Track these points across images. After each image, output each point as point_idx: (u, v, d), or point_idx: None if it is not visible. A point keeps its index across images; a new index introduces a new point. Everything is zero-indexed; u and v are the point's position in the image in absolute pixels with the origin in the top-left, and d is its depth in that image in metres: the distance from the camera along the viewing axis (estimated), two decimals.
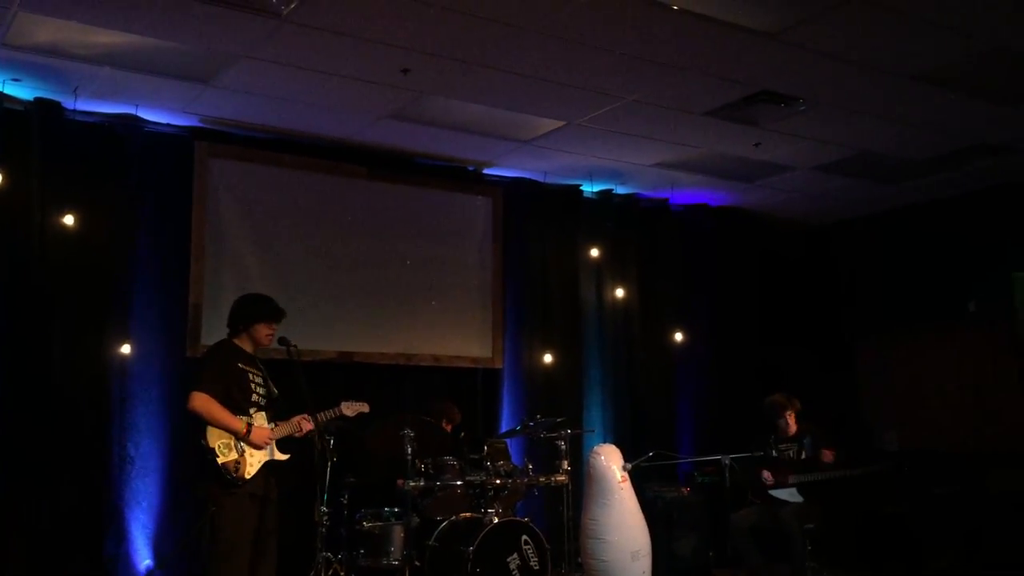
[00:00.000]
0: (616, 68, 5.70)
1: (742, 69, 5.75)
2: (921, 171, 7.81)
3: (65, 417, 6.06)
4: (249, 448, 4.81)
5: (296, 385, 5.03)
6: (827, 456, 6.47)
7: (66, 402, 6.08)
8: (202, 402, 4.75)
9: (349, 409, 5.42)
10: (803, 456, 6.71)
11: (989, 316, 8.11)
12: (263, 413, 4.94)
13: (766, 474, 6.67)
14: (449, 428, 6.78)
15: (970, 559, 7.12)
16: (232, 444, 4.76)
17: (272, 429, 4.93)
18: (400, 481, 5.98)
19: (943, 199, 8.48)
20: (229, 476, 4.71)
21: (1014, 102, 6.33)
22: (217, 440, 4.74)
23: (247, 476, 4.77)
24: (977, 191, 8.22)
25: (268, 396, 5.04)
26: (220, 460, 4.71)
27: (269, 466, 4.91)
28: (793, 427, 6.81)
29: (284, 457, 5.00)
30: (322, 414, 5.20)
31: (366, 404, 5.52)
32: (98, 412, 6.21)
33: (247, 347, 5.05)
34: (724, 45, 5.38)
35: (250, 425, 4.80)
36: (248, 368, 4.97)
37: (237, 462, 4.74)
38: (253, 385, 4.94)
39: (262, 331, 5.02)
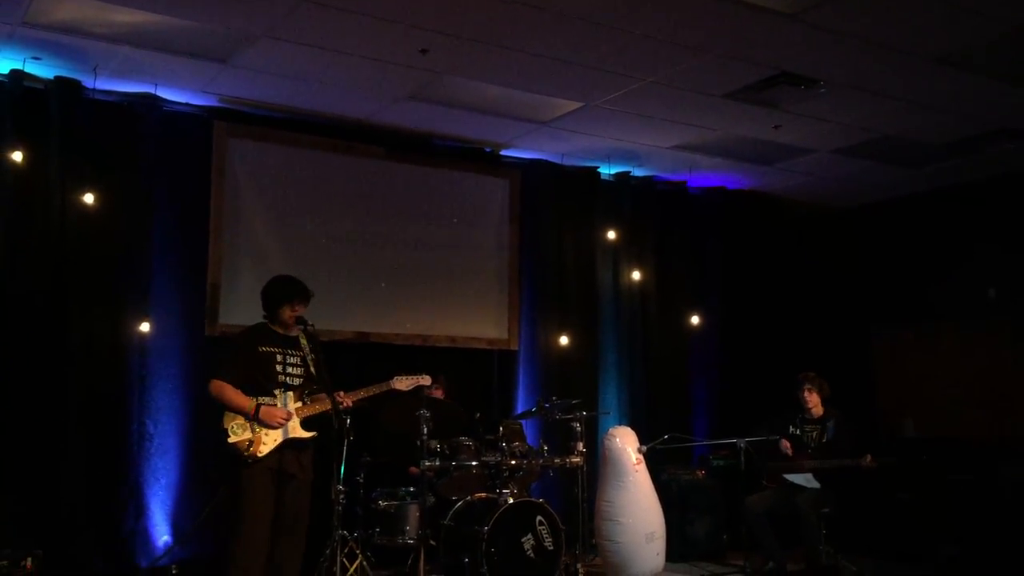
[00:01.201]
0: (634, 49, 5.67)
1: (762, 50, 5.71)
2: (942, 155, 7.74)
3: (84, 394, 6.13)
4: (263, 428, 4.86)
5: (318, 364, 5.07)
6: (868, 461, 6.38)
7: (85, 380, 6.14)
8: (216, 388, 4.90)
9: (403, 383, 5.35)
10: (824, 439, 6.69)
11: (1008, 303, 8.04)
12: (291, 393, 4.98)
13: (785, 443, 6.65)
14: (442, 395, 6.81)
15: (983, 547, 7.09)
16: (245, 424, 4.85)
17: (297, 408, 4.96)
18: (413, 469, 6.00)
19: (964, 184, 8.39)
20: (241, 455, 4.82)
21: None
22: (231, 421, 4.86)
23: (259, 455, 4.84)
24: (999, 176, 8.13)
25: (305, 376, 5.06)
26: (231, 439, 4.83)
27: (290, 444, 4.93)
28: (818, 408, 6.78)
29: (307, 435, 5.00)
30: (368, 390, 5.21)
31: (427, 376, 5.47)
32: (117, 390, 6.27)
33: (280, 329, 5.09)
34: (744, 26, 5.34)
35: (259, 406, 4.86)
36: (276, 350, 5.02)
37: (250, 441, 4.83)
38: (280, 366, 5.00)
39: (286, 312, 5.06)
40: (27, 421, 5.91)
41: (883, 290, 9.05)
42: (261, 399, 4.89)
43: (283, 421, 4.89)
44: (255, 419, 4.84)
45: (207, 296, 6.59)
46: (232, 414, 4.87)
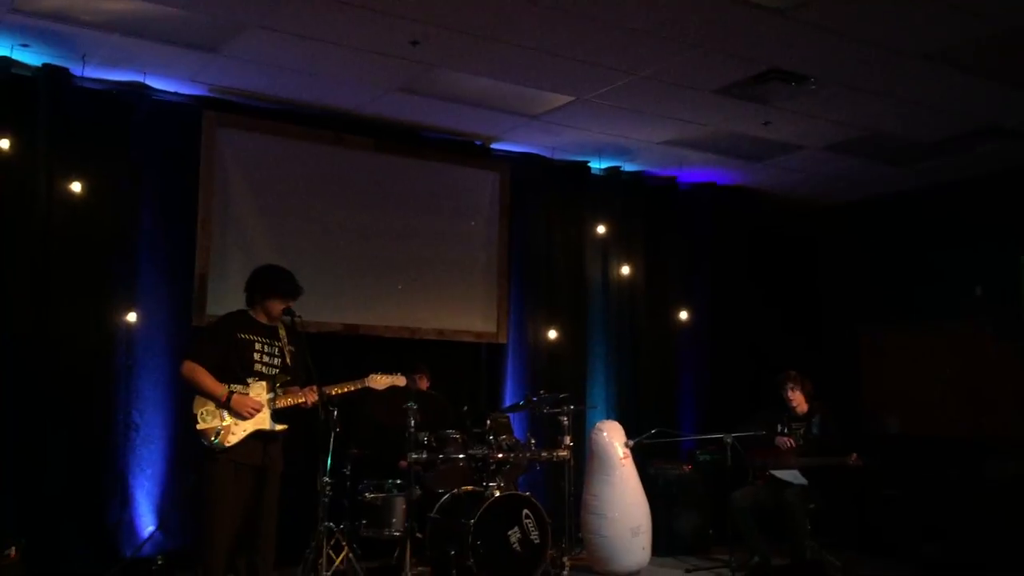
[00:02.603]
0: (626, 44, 5.67)
1: (752, 46, 5.71)
2: (931, 153, 7.77)
3: (71, 384, 6.10)
4: (234, 417, 4.80)
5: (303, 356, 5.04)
6: (854, 459, 6.42)
7: (72, 369, 6.11)
8: (188, 369, 4.82)
9: (377, 382, 5.26)
10: (811, 436, 6.72)
11: (995, 301, 8.09)
12: (264, 383, 4.92)
13: (785, 439, 6.66)
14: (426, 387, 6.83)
15: (966, 543, 7.14)
16: (215, 411, 4.76)
17: (270, 399, 4.90)
18: (403, 463, 5.99)
19: (952, 182, 8.42)
20: (207, 442, 4.73)
21: None
22: (201, 407, 4.77)
23: (227, 444, 4.74)
24: (986, 174, 8.16)
25: (280, 367, 5.00)
26: (199, 426, 4.74)
27: (262, 436, 4.86)
28: (803, 406, 6.81)
29: (279, 428, 4.93)
30: (343, 386, 5.15)
31: (402, 377, 5.37)
32: (103, 379, 6.25)
33: (261, 318, 5.02)
34: (734, 22, 5.34)
35: (231, 393, 4.78)
36: (255, 338, 4.95)
37: (218, 429, 4.73)
38: (257, 355, 4.92)
39: (275, 307, 4.99)
40: (12, 411, 5.88)
41: (870, 288, 9.09)
42: (234, 387, 4.81)
43: (253, 412, 4.81)
44: (226, 406, 4.77)
45: (195, 287, 6.56)
46: (203, 399, 4.78)
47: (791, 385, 6.80)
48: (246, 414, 4.79)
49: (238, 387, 4.82)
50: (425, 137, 7.52)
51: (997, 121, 7.00)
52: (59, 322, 6.09)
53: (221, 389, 4.78)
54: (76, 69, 6.12)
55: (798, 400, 6.80)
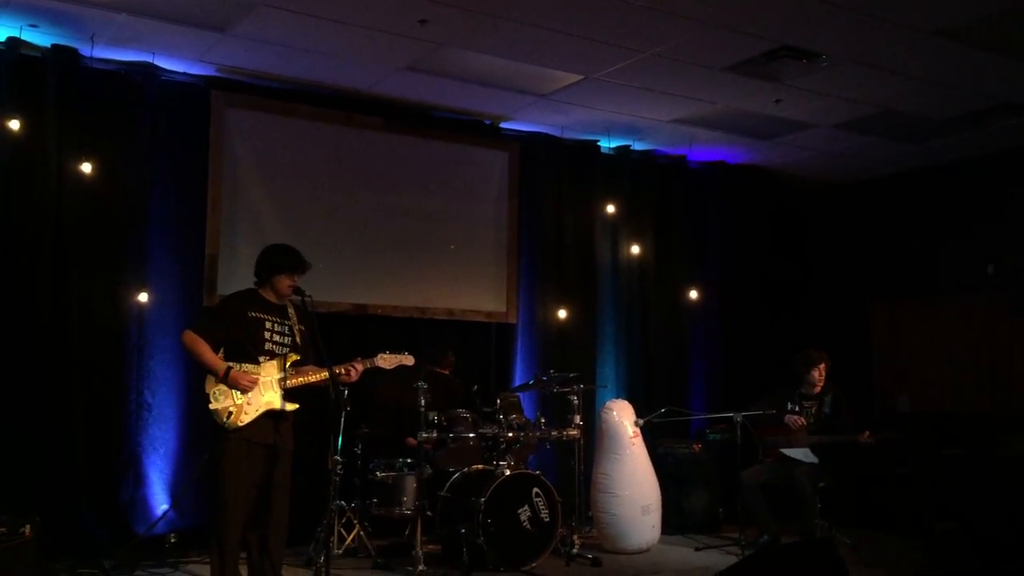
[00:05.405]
0: (635, 21, 5.63)
1: (763, 23, 5.66)
2: (943, 130, 7.70)
3: (83, 364, 6.14)
4: (246, 396, 4.79)
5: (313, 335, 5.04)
6: (866, 437, 6.43)
7: (84, 349, 6.14)
8: (189, 339, 4.81)
9: (386, 362, 5.24)
10: (823, 415, 6.72)
11: (1008, 278, 8.04)
12: (275, 362, 4.93)
13: (795, 418, 6.66)
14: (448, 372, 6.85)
15: (978, 522, 7.13)
16: (227, 391, 4.76)
17: (281, 379, 4.88)
18: (410, 440, 6.01)
19: (965, 159, 8.36)
20: (221, 422, 4.74)
21: None
22: (213, 386, 4.78)
23: (240, 424, 4.75)
24: (1000, 152, 8.10)
25: (290, 346, 5.01)
26: (212, 406, 4.75)
27: (273, 415, 4.87)
28: (819, 385, 6.81)
29: (290, 407, 4.92)
30: (354, 364, 5.13)
31: (410, 356, 5.34)
32: (115, 359, 6.29)
33: (271, 297, 5.02)
34: None
35: (230, 368, 4.76)
36: (265, 316, 4.95)
37: (231, 409, 4.74)
38: (268, 334, 4.92)
39: (283, 282, 4.98)
40: (26, 390, 5.92)
41: (882, 265, 9.05)
42: (245, 366, 4.82)
43: (250, 385, 4.79)
44: (224, 381, 4.75)
45: (205, 267, 6.58)
46: (214, 379, 4.78)
47: (823, 364, 6.78)
48: (243, 387, 4.78)
49: (250, 366, 4.83)
50: (434, 116, 7.50)
51: (1011, 97, 6.94)
52: (71, 302, 6.11)
53: (220, 364, 4.78)
54: (85, 49, 6.11)
55: (821, 379, 6.79)
